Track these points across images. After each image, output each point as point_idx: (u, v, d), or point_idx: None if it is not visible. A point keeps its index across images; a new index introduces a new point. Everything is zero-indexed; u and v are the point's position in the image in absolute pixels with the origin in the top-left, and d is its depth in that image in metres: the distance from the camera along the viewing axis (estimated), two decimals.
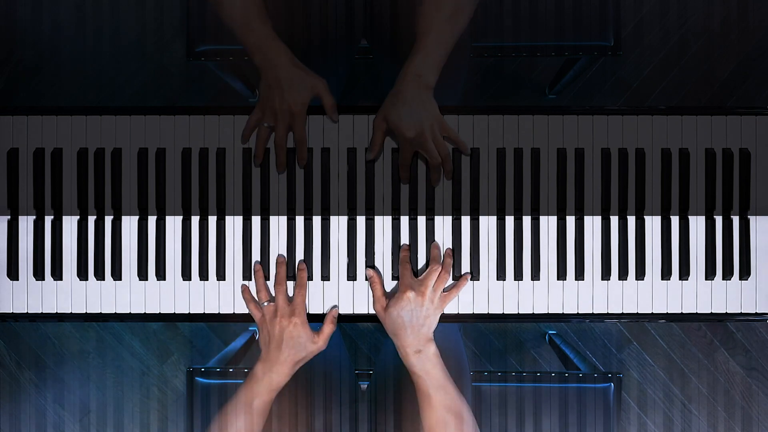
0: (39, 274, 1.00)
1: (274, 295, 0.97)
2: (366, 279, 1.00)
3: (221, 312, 1.01)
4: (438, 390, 0.90)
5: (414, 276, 0.98)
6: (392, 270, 1.00)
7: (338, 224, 1.01)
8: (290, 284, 1.00)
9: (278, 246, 1.00)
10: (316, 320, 1.00)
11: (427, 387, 0.90)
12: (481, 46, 1.32)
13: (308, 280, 1.00)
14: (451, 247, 1.00)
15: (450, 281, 1.00)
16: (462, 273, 1.00)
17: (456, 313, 1.01)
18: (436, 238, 1.00)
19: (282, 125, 0.96)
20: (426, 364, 0.91)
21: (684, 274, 1.00)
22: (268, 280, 1.00)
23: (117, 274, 1.00)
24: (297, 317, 0.94)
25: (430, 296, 0.94)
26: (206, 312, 1.01)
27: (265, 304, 0.96)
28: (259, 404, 0.91)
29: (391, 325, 0.93)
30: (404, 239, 1.00)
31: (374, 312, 0.98)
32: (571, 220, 1.01)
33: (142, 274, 1.00)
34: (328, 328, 0.96)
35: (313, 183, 1.00)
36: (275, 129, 0.97)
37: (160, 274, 1.00)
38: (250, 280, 1.00)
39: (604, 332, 1.76)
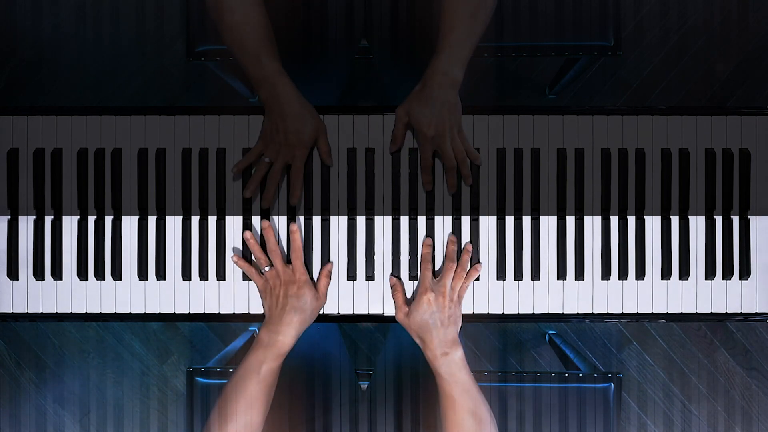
0: (39, 274, 1.00)
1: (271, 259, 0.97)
2: (390, 286, 1.00)
3: (221, 312, 1.01)
4: (463, 394, 0.89)
5: (434, 276, 0.97)
6: (392, 269, 1.00)
7: (338, 224, 1.01)
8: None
9: (279, 246, 1.00)
10: (319, 320, 1.00)
11: (452, 390, 0.89)
12: (481, 46, 1.31)
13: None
14: (470, 240, 0.99)
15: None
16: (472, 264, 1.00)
17: None
18: (435, 238, 1.00)
19: (282, 160, 0.96)
20: (452, 366, 0.90)
21: (684, 274, 1.00)
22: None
23: (117, 274, 1.00)
24: (300, 280, 0.94)
25: (450, 295, 0.93)
26: (206, 312, 1.01)
27: (267, 269, 0.96)
28: (267, 370, 0.90)
29: (417, 330, 0.93)
30: (404, 239, 1.00)
31: (376, 313, 0.98)
32: (571, 220, 1.01)
33: (142, 274, 1.00)
34: (324, 281, 0.97)
35: (313, 183, 1.00)
36: (274, 162, 0.96)
37: (160, 274, 1.00)
38: (249, 280, 1.00)
39: (604, 332, 1.76)
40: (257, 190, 0.99)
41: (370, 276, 1.00)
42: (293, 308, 0.92)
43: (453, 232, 1.00)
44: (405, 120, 0.96)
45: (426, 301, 0.92)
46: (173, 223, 1.00)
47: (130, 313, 1.00)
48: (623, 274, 1.00)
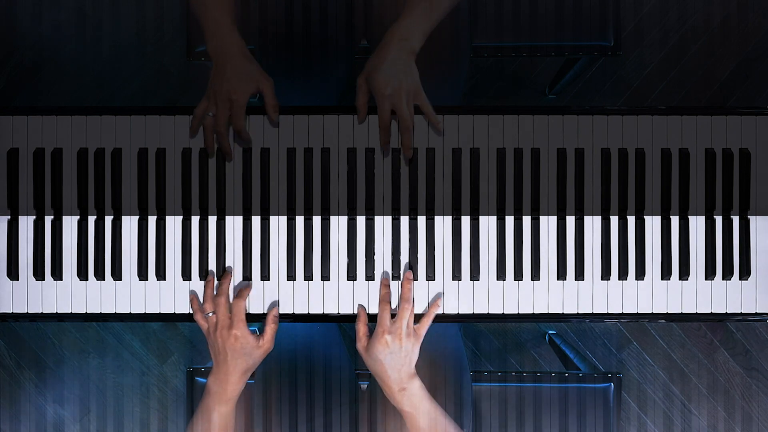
0: (39, 274, 1.00)
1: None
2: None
3: None
4: (429, 423, 0.92)
5: (392, 316, 0.96)
6: (392, 270, 1.00)
7: (338, 224, 1.01)
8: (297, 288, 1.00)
9: (278, 246, 1.00)
10: (319, 320, 1.00)
11: (417, 422, 0.91)
12: (481, 46, 1.32)
13: (305, 280, 1.00)
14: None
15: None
16: (433, 298, 0.99)
17: (456, 313, 1.01)
18: (436, 238, 1.00)
19: (222, 112, 0.96)
20: (412, 399, 0.92)
21: (684, 274, 1.00)
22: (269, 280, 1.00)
23: (117, 274, 1.00)
24: (236, 329, 0.93)
25: (405, 335, 0.93)
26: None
27: (210, 315, 0.95)
28: (219, 417, 0.92)
29: (372, 366, 0.94)
30: (404, 239, 1.00)
31: (376, 313, 0.98)
32: (571, 220, 1.01)
33: (142, 274, 1.00)
34: (270, 328, 0.96)
35: (313, 183, 1.00)
36: (215, 116, 0.97)
37: (160, 274, 1.00)
38: (249, 279, 1.00)
39: (604, 332, 1.76)
40: (231, 148, 0.99)
41: (370, 276, 1.00)
42: (234, 355, 0.92)
43: (453, 232, 1.00)
44: (365, 88, 0.97)
45: (383, 343, 0.92)
46: (173, 223, 1.00)
47: (130, 313, 1.00)
48: (623, 274, 1.00)
